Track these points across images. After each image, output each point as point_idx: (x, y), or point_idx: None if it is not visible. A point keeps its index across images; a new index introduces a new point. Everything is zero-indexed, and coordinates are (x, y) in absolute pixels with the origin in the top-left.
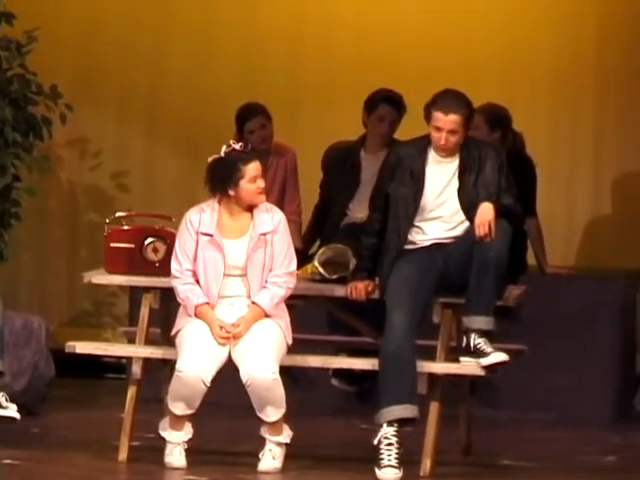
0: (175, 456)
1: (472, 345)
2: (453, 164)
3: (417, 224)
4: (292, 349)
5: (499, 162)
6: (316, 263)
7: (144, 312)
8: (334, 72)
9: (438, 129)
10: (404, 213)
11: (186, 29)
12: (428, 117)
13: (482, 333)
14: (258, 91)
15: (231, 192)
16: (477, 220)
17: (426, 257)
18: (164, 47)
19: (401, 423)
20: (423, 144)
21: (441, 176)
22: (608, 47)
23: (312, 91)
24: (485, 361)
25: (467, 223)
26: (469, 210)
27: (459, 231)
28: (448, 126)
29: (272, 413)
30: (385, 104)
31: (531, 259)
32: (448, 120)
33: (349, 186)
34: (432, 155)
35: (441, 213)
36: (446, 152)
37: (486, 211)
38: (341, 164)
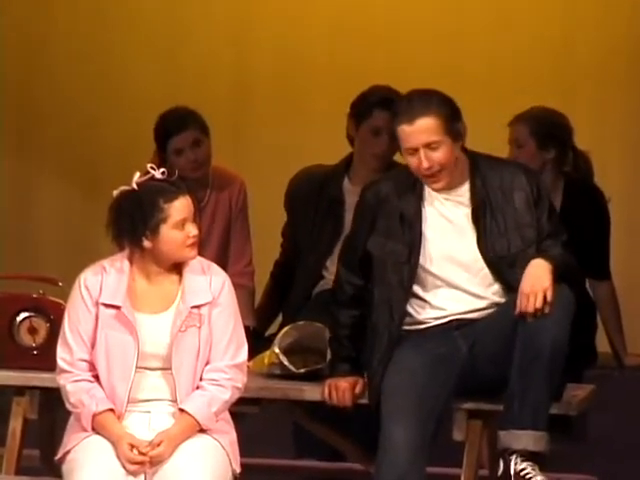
0: None
1: (513, 474)
2: (462, 199)
3: (420, 294)
4: None
5: (534, 190)
6: (277, 350)
7: (15, 426)
8: (301, 64)
9: (411, 151)
10: (396, 278)
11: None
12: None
13: (529, 456)
14: (190, 92)
15: (146, 243)
16: (526, 287)
17: (442, 341)
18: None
19: None
20: (414, 175)
21: (449, 219)
22: None
23: (269, 92)
24: None
25: (497, 287)
26: (497, 268)
27: (486, 301)
28: (421, 139)
29: None
30: (382, 110)
31: (602, 344)
32: (416, 129)
33: (326, 234)
34: (429, 189)
35: (453, 276)
36: (440, 183)
37: (540, 273)
38: (314, 201)
